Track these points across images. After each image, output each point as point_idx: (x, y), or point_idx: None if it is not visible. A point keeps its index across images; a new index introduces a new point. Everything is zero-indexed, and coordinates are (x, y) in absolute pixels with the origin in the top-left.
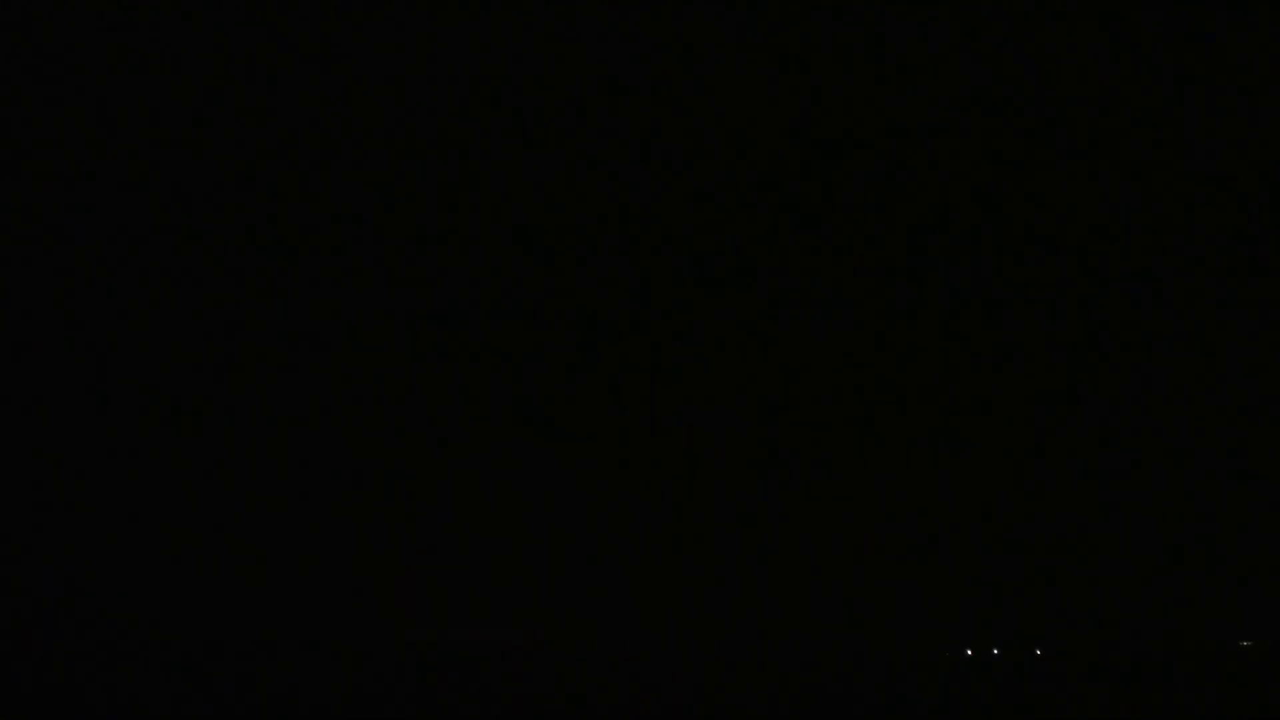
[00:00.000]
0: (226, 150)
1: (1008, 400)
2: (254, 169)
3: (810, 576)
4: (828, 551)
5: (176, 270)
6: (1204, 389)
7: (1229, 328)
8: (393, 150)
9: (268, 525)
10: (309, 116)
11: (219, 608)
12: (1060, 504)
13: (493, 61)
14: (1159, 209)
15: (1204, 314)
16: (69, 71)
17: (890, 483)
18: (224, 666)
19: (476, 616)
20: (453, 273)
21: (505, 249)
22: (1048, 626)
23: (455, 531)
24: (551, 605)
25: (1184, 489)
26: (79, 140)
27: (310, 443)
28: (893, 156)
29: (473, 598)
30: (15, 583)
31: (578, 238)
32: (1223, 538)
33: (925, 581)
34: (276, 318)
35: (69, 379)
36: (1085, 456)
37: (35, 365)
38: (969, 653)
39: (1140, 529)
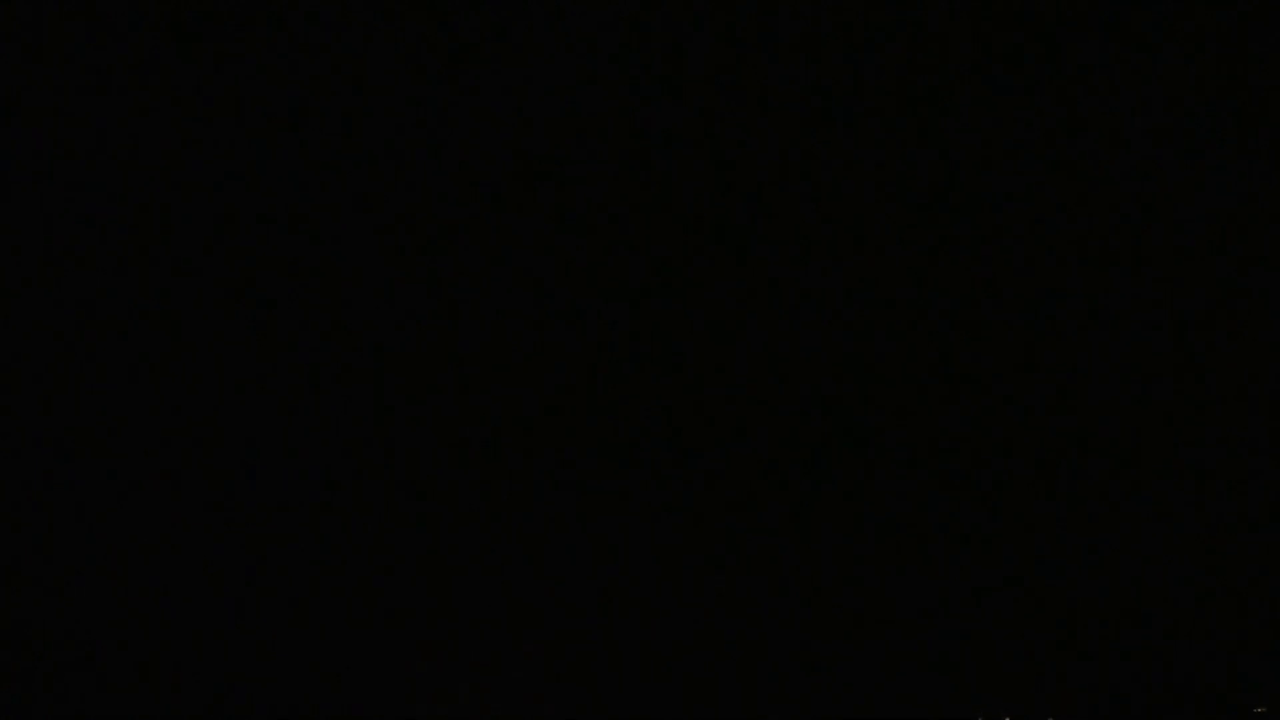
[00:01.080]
0: (226, 150)
1: (1024, 447)
2: (253, 168)
3: (816, 641)
4: (834, 614)
5: (177, 269)
6: (1230, 424)
7: (1236, 349)
8: (393, 150)
9: (270, 543)
10: (308, 115)
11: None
12: (1075, 567)
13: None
14: (1161, 210)
15: (1207, 331)
16: (68, 71)
17: (898, 539)
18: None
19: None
20: (454, 278)
21: (505, 250)
22: (1062, 694)
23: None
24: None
25: (1202, 549)
26: (78, 139)
27: (311, 461)
28: (896, 157)
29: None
30: (14, 583)
31: (577, 238)
32: (1242, 600)
33: (932, 648)
34: (277, 331)
35: (68, 379)
36: (1105, 517)
37: (34, 365)
38: None
39: (1157, 593)
